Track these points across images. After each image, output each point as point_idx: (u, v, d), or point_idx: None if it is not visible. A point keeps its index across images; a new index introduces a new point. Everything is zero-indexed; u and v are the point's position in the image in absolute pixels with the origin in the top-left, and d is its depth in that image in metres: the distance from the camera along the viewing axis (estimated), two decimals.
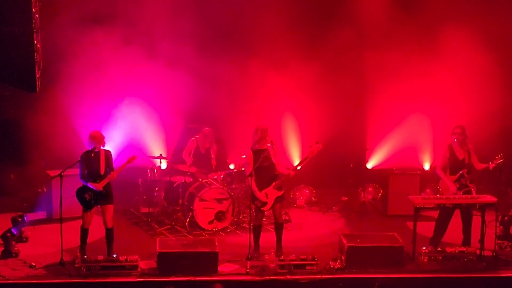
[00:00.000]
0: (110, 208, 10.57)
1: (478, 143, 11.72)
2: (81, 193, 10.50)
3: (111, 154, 10.67)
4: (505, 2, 13.86)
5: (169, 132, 13.90)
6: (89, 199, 10.45)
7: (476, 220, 11.13)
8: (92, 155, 10.47)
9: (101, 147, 10.54)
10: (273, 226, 11.25)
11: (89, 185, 10.42)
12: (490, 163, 10.93)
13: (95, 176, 10.47)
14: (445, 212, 11.05)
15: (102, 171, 10.49)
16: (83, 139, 13.10)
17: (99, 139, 10.49)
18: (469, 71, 13.59)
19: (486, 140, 12.86)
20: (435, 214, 11.49)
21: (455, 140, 11.02)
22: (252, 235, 10.80)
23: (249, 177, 10.64)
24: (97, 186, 10.43)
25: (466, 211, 11.07)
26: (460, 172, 11.06)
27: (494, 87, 13.66)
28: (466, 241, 11.12)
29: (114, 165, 10.64)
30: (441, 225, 11.14)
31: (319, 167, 13.33)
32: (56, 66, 13.48)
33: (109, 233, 10.62)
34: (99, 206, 10.55)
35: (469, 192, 11.08)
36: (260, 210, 10.84)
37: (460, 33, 13.39)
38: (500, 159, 10.86)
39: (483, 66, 13.45)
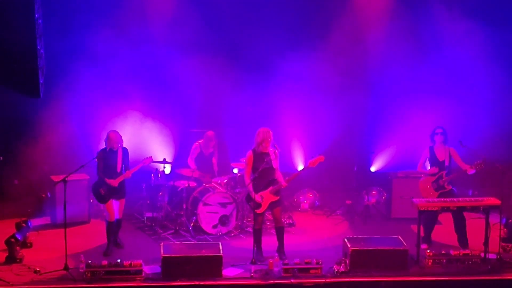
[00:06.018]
0: (122, 202, 11.20)
1: (481, 146, 11.75)
2: (97, 187, 11.03)
3: (127, 152, 11.18)
4: None
5: (172, 137, 13.91)
6: (103, 194, 10.96)
7: (480, 222, 11.11)
8: (110, 153, 10.95)
9: (119, 146, 11.03)
10: None
11: (106, 180, 10.90)
12: (469, 167, 11.06)
13: (111, 172, 10.97)
14: (429, 213, 11.13)
15: (118, 169, 11.01)
16: (86, 144, 13.18)
17: (116, 139, 10.99)
18: (470, 71, 13.61)
19: (490, 141, 12.92)
20: (439, 217, 11.57)
21: (439, 140, 11.25)
22: (253, 239, 10.81)
23: (250, 182, 10.65)
24: (113, 183, 10.95)
25: (457, 212, 11.14)
26: (439, 173, 11.15)
27: (495, 87, 13.70)
28: (461, 240, 11.21)
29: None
30: (430, 223, 11.37)
31: (323, 171, 13.33)
32: (60, 72, 13.51)
33: (118, 222, 11.21)
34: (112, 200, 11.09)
35: (447, 194, 11.21)
36: (255, 212, 10.81)
37: (462, 31, 13.44)
38: (480, 164, 10.95)
39: (485, 66, 13.48)
